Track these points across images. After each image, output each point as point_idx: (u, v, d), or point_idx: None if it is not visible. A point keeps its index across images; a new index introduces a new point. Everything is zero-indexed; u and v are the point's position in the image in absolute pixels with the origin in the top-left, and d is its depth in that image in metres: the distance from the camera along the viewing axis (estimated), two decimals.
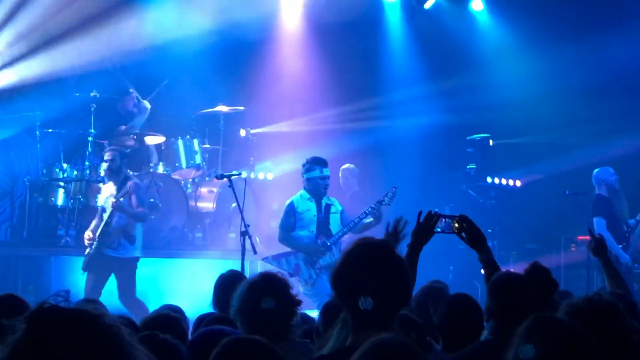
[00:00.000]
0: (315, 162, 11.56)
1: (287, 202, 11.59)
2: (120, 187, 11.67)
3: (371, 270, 3.94)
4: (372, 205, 11.31)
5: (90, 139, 13.42)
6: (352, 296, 3.97)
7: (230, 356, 3.61)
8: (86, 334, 2.30)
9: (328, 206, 11.56)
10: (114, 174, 11.81)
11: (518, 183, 16.30)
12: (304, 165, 11.60)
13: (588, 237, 7.38)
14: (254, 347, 3.65)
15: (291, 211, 11.50)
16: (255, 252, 10.84)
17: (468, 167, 15.34)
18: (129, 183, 11.73)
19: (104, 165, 11.90)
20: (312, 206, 11.48)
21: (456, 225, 5.55)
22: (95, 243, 11.60)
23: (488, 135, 15.48)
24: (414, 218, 5.45)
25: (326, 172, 11.54)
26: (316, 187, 11.47)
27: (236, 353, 3.62)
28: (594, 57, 15.40)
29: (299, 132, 15.59)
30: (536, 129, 15.97)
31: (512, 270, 5.61)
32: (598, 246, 7.04)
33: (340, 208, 11.67)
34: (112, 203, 11.46)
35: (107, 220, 11.60)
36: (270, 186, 15.33)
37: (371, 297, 3.91)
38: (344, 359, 3.12)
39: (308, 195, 11.51)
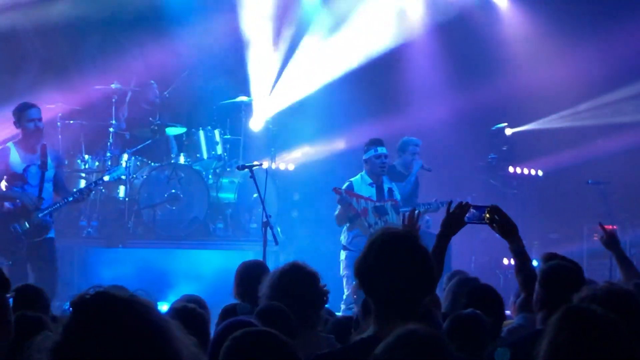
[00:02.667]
0: (371, 143, 11.91)
1: (346, 183, 11.77)
2: (41, 154, 10.68)
3: (394, 260, 3.94)
4: (439, 201, 11.78)
5: (111, 130, 13.46)
6: (375, 285, 3.97)
7: (242, 349, 3.60)
8: (132, 321, 2.32)
9: (391, 192, 11.77)
10: (42, 137, 10.83)
11: (540, 172, 16.24)
12: (363, 149, 11.94)
13: (610, 227, 7.38)
14: (264, 340, 3.63)
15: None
16: (276, 242, 10.86)
17: (490, 156, 15.28)
18: (45, 146, 10.79)
19: (27, 125, 10.54)
20: (372, 192, 11.67)
21: (487, 215, 5.50)
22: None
23: (506, 124, 15.40)
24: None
25: (381, 150, 11.77)
26: (373, 167, 11.79)
27: (247, 346, 3.60)
28: (615, 44, 15.30)
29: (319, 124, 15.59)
30: (557, 117, 15.90)
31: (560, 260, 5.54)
32: (610, 239, 7.08)
33: (399, 197, 11.85)
34: (85, 192, 10.92)
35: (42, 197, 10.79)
36: (292, 176, 15.33)
37: (394, 286, 3.91)
38: (368, 348, 3.10)
39: (369, 180, 11.71)
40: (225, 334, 4.09)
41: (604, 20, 15.51)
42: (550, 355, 3.24)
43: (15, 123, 10.65)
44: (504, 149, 15.33)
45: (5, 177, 10.60)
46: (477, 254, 14.15)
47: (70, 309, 2.35)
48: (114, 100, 13.62)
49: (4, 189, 10.64)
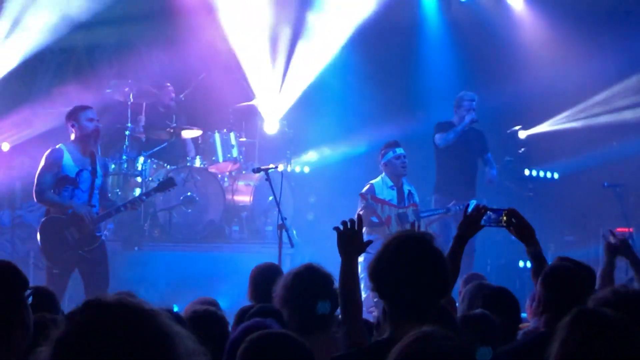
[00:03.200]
0: (387, 145, 12.03)
1: (367, 185, 11.81)
2: (91, 160, 10.49)
3: (409, 263, 3.95)
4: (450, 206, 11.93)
5: (127, 132, 13.47)
6: (390, 288, 3.97)
7: (258, 352, 3.60)
8: (128, 325, 2.31)
9: (410, 195, 11.84)
10: (99, 139, 10.82)
11: (556, 175, 16.20)
12: (380, 153, 12.01)
13: (626, 230, 7.39)
14: (281, 342, 3.63)
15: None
16: (292, 245, 10.88)
17: (505, 159, 15.25)
18: (94, 153, 10.61)
19: (87, 125, 10.33)
20: (393, 195, 11.72)
21: (505, 218, 5.50)
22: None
23: (520, 126, 15.36)
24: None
25: (399, 150, 11.91)
26: (394, 168, 11.89)
27: (264, 348, 3.60)
28: (632, 43, 15.26)
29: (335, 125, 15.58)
30: (570, 114, 15.87)
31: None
32: (622, 246, 7.06)
33: (418, 200, 11.94)
34: (137, 202, 10.92)
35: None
36: (307, 179, 15.34)
37: (408, 289, 3.91)
38: (383, 351, 3.10)
39: (390, 182, 11.77)
40: (244, 337, 4.11)
41: (620, 20, 15.48)
42: (561, 357, 3.24)
43: (72, 125, 10.34)
44: (520, 151, 15.28)
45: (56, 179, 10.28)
46: (492, 257, 14.12)
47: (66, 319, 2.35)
48: (129, 103, 13.64)
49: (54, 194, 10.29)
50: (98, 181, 10.47)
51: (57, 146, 10.42)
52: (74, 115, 10.37)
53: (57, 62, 14.85)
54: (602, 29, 15.50)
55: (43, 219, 10.48)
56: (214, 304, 5.99)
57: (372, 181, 11.95)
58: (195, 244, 13.18)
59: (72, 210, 10.24)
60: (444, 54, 16.38)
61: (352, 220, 4.74)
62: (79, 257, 10.29)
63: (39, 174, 10.30)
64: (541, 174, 15.77)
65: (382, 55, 15.85)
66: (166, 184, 11.30)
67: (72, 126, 10.35)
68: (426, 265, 3.97)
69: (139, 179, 12.95)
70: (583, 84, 15.47)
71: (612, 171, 14.86)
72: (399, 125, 15.34)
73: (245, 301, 6.59)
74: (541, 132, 15.66)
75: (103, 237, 10.63)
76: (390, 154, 11.87)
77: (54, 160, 10.28)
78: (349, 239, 4.69)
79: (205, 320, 4.96)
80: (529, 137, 15.39)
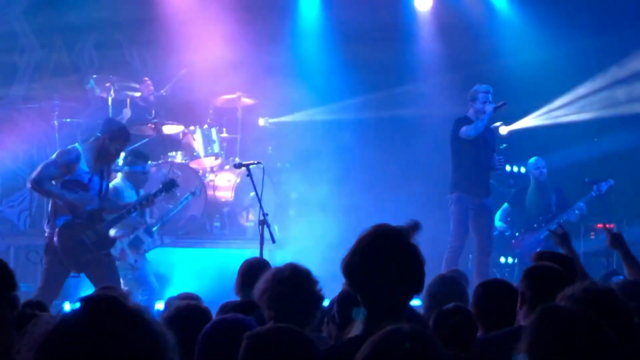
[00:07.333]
0: (140, 156, 12.00)
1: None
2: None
3: (383, 258, 3.92)
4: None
5: None
6: (363, 283, 3.95)
7: (265, 346, 3.58)
8: (133, 332, 2.31)
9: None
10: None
11: None
12: (127, 160, 11.90)
13: (608, 225, 7.43)
14: (290, 336, 3.61)
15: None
16: (273, 240, 10.84)
17: None
18: None
19: (112, 152, 10.31)
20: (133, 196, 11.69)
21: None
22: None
23: (501, 122, 15.34)
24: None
25: (149, 167, 11.96)
26: (140, 181, 11.87)
27: (272, 342, 3.58)
28: (613, 41, 15.30)
29: (317, 121, 15.56)
30: (555, 115, 15.89)
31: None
32: (614, 239, 7.12)
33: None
34: (143, 202, 10.78)
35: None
36: (289, 175, 15.32)
37: (382, 284, 3.89)
38: (356, 347, 3.09)
39: (131, 186, 11.79)
40: (216, 329, 4.09)
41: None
42: (530, 355, 3.26)
43: (107, 139, 10.13)
44: (502, 147, 15.29)
45: (65, 178, 10.04)
46: (474, 252, 14.14)
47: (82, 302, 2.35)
48: (111, 98, 13.59)
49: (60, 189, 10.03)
50: (105, 184, 10.35)
51: (74, 146, 10.26)
52: (119, 139, 10.28)
53: (37, 58, 14.79)
54: (584, 23, 15.57)
55: (60, 224, 10.07)
56: (196, 299, 5.97)
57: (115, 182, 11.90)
58: (176, 239, 13.15)
59: (81, 210, 10.05)
60: (427, 51, 16.36)
61: None
62: (96, 260, 10.15)
63: (46, 165, 10.07)
64: (522, 169, 15.79)
65: (366, 52, 15.82)
66: (170, 185, 11.11)
67: (105, 139, 10.19)
68: (399, 261, 3.93)
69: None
70: (564, 77, 15.51)
71: (593, 167, 14.91)
72: (378, 122, 15.38)
73: (226, 297, 6.57)
74: (523, 127, 15.65)
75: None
76: (140, 168, 11.87)
77: (67, 163, 10.05)
78: None
79: (189, 314, 4.94)
80: (511, 133, 15.38)
